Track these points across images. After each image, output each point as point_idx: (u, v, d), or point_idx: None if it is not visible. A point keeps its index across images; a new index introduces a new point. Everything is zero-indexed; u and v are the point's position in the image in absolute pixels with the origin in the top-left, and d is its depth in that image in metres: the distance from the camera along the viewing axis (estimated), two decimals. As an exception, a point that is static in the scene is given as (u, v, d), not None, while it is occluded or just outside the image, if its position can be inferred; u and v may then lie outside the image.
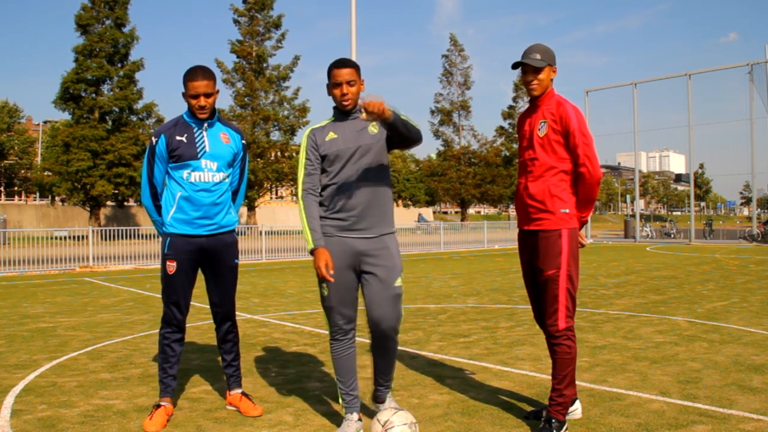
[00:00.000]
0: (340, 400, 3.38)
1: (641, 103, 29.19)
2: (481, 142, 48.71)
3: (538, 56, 3.35)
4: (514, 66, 3.45)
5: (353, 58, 20.43)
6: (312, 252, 3.23)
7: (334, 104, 3.37)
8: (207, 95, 3.56)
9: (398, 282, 3.31)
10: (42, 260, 15.18)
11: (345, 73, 3.26)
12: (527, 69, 3.38)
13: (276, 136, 35.85)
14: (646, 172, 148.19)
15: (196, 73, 3.54)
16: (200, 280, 3.76)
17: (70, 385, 4.36)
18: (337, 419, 3.58)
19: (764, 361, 4.83)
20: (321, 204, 3.33)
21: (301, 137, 3.38)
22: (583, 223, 3.41)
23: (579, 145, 3.29)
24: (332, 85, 3.30)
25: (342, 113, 3.36)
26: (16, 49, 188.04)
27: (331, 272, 3.18)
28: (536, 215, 3.38)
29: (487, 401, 3.89)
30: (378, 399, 3.57)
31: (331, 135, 3.32)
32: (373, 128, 3.33)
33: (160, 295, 3.91)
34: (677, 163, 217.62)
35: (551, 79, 3.42)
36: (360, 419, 3.34)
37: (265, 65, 35.29)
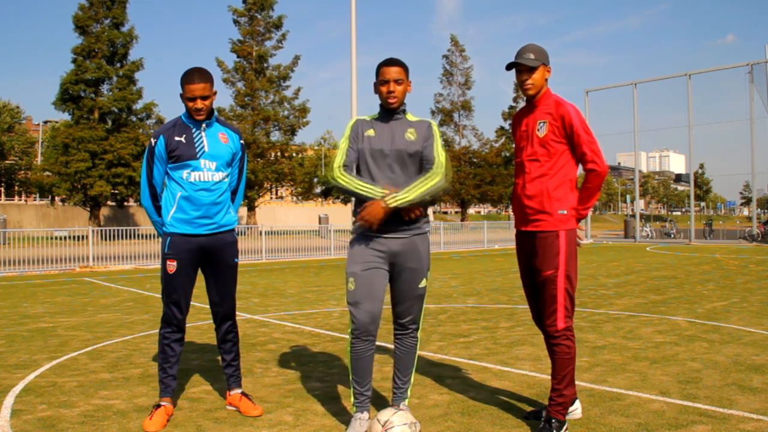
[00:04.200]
0: (352, 399, 3.38)
1: (641, 103, 29.19)
2: (482, 141, 48.76)
3: (532, 56, 3.36)
4: (508, 67, 3.45)
5: (353, 58, 20.43)
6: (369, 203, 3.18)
7: (380, 102, 3.39)
8: (204, 98, 3.57)
9: (423, 283, 3.41)
10: (42, 260, 15.19)
11: (393, 71, 3.30)
12: (521, 69, 3.38)
13: (276, 136, 35.85)
14: (646, 172, 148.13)
15: (192, 75, 3.55)
16: (200, 279, 3.76)
17: (70, 385, 4.36)
18: (338, 419, 3.58)
19: (764, 361, 4.83)
20: (357, 206, 3.34)
21: (345, 126, 3.44)
22: (582, 217, 3.41)
23: (584, 143, 3.28)
24: (379, 83, 3.33)
25: (385, 112, 3.39)
26: (16, 49, 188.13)
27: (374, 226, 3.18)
28: (534, 216, 3.37)
29: (487, 401, 3.89)
30: (392, 403, 3.54)
31: (371, 132, 3.35)
32: (411, 135, 3.35)
33: (160, 295, 3.91)
34: (677, 163, 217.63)
35: (546, 79, 3.42)
36: (369, 419, 3.34)
37: (265, 65, 35.30)
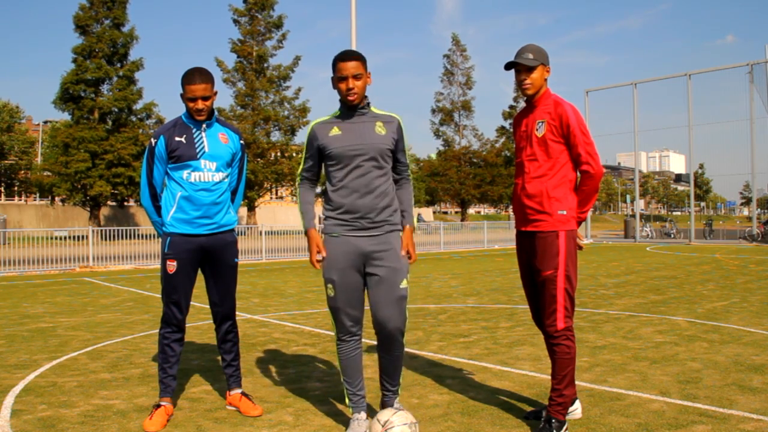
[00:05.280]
0: (347, 400, 3.37)
1: (641, 103, 29.24)
2: (482, 141, 48.77)
3: (531, 56, 3.35)
4: (507, 67, 3.45)
5: (353, 58, 20.47)
6: (306, 233, 3.33)
7: (339, 98, 3.28)
8: (204, 98, 3.57)
9: (404, 284, 3.27)
10: (42, 260, 15.18)
11: (351, 66, 3.15)
12: (520, 68, 3.39)
13: (276, 136, 35.88)
14: (646, 172, 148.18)
15: (193, 76, 3.54)
16: (200, 280, 3.76)
17: (70, 385, 4.36)
18: (338, 419, 3.58)
19: (764, 361, 4.83)
20: (326, 203, 3.33)
21: (304, 135, 3.43)
22: (581, 220, 3.41)
23: (579, 143, 3.28)
24: (337, 79, 3.19)
25: (347, 108, 3.27)
26: (16, 49, 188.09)
27: (320, 256, 3.28)
28: (533, 216, 3.38)
29: (487, 401, 3.89)
30: (385, 406, 3.48)
31: (335, 130, 3.25)
32: (381, 129, 3.26)
33: (160, 295, 3.91)
34: (677, 163, 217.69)
35: (545, 79, 3.41)
36: (368, 418, 3.33)
37: (265, 65, 35.30)
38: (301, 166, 3.43)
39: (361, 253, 3.23)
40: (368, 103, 3.31)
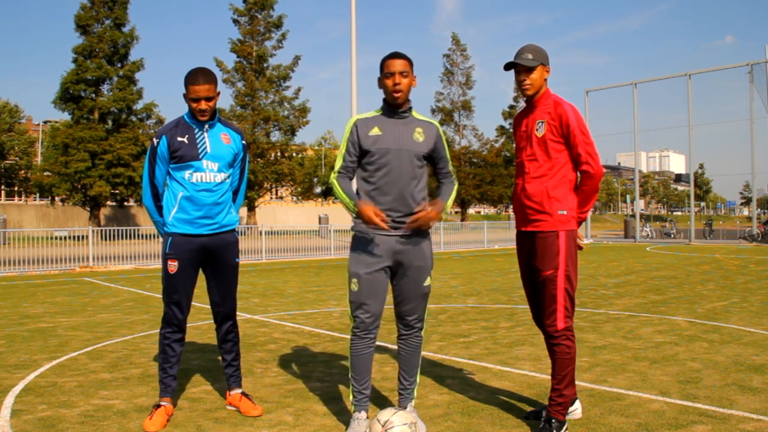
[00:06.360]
0: (351, 397, 3.38)
1: (641, 103, 29.27)
2: (482, 141, 48.74)
3: (530, 56, 3.36)
4: (507, 67, 3.45)
5: (353, 58, 20.42)
6: (357, 212, 3.21)
7: (384, 97, 3.34)
8: (208, 99, 3.56)
9: (428, 281, 3.40)
10: (42, 260, 15.19)
11: (399, 64, 3.25)
12: (519, 69, 3.39)
13: (276, 136, 35.84)
14: (646, 172, 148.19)
15: (197, 76, 3.54)
16: (200, 279, 3.76)
17: (70, 385, 4.36)
18: (338, 419, 3.58)
19: (764, 361, 4.84)
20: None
21: (345, 125, 3.40)
22: (581, 220, 3.41)
23: (579, 143, 3.29)
24: (384, 76, 3.28)
25: (390, 107, 3.32)
26: (16, 49, 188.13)
27: (382, 218, 3.17)
28: (534, 216, 3.38)
29: (487, 401, 3.89)
30: (399, 405, 3.51)
31: (376, 130, 3.30)
32: (419, 135, 3.34)
33: (160, 295, 3.91)
34: (677, 163, 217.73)
35: (545, 79, 3.41)
36: (368, 418, 3.34)
37: (265, 65, 35.28)
38: (338, 164, 3.36)
39: (391, 252, 3.29)
40: (410, 108, 3.37)
